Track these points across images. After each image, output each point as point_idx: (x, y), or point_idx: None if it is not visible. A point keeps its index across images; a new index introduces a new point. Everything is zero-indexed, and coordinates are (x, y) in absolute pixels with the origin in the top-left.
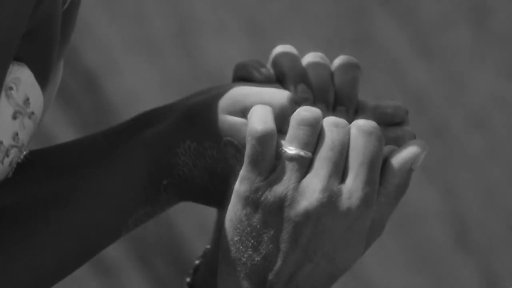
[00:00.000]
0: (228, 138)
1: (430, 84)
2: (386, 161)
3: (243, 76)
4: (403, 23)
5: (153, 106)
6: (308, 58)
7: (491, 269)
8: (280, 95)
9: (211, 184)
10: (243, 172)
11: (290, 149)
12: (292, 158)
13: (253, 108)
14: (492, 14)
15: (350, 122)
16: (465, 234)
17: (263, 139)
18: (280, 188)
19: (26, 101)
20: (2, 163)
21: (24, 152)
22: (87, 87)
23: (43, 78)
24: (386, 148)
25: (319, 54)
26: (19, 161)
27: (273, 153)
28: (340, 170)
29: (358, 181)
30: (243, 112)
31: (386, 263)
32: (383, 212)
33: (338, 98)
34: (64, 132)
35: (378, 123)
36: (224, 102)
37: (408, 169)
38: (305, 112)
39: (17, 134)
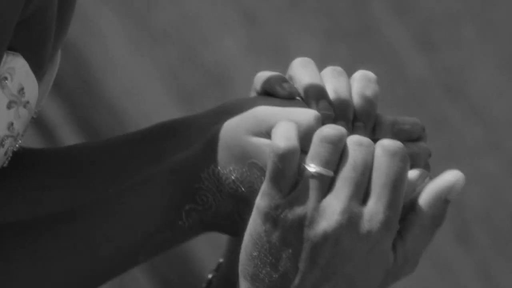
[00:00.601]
0: (253, 160)
1: (430, 76)
2: (421, 189)
3: (266, 90)
4: (403, 14)
5: (152, 100)
6: (327, 72)
7: (491, 263)
8: (306, 114)
9: (237, 212)
10: (264, 187)
11: (312, 167)
12: (313, 176)
13: (277, 124)
14: (493, 6)
15: (368, 137)
16: (466, 228)
17: (285, 157)
18: (300, 207)
19: (21, 90)
20: None
21: (20, 141)
22: (86, 81)
23: (38, 67)
24: (419, 174)
25: (338, 68)
26: (15, 149)
27: (294, 170)
28: (362, 191)
29: (380, 204)
30: (269, 133)
31: None
32: (417, 244)
33: (357, 114)
34: (62, 127)
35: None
36: (249, 123)
37: (444, 199)
38: (329, 129)
39: (12, 124)
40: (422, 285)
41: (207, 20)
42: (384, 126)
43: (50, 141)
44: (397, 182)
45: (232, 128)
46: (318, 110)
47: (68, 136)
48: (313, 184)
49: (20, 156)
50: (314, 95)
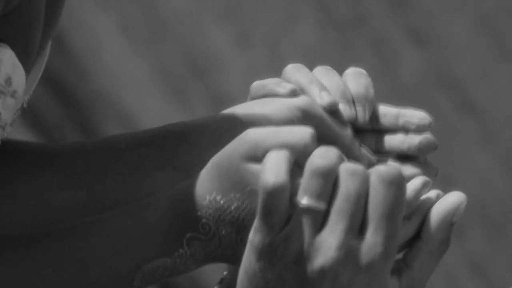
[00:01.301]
0: (252, 187)
1: (424, 68)
2: (425, 214)
3: (265, 95)
4: (397, 7)
5: (142, 91)
6: (318, 70)
7: (483, 255)
8: (302, 133)
9: (240, 241)
10: (256, 223)
11: (303, 201)
12: (305, 211)
13: (267, 155)
14: None
15: (368, 127)
16: (459, 220)
17: (275, 193)
18: (294, 243)
19: (8, 80)
20: None
21: (8, 130)
22: (77, 71)
23: (26, 58)
24: (422, 183)
25: (327, 67)
26: (3, 138)
27: (286, 205)
28: (357, 222)
29: (377, 236)
30: (264, 156)
31: None
32: (425, 270)
33: (355, 98)
34: (52, 113)
35: (401, 131)
36: (244, 149)
37: (450, 222)
38: (319, 159)
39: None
40: None
41: (198, 12)
42: (388, 117)
43: (42, 133)
44: (394, 212)
45: (229, 154)
46: (322, 100)
47: (60, 127)
48: (306, 219)
49: (25, 153)
50: (316, 87)
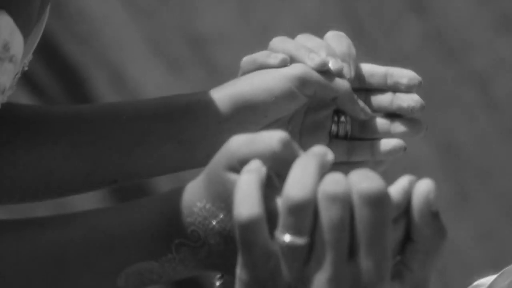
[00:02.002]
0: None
1: (423, 37)
2: (407, 215)
3: (257, 68)
4: None
5: (141, 65)
6: (301, 37)
7: (491, 223)
8: (270, 140)
9: (230, 251)
10: (239, 258)
11: (285, 238)
12: (288, 248)
13: (237, 183)
14: None
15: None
16: (464, 188)
17: (249, 227)
18: (283, 279)
19: (6, 45)
20: None
21: (7, 94)
22: (75, 39)
23: (24, 23)
24: (407, 184)
25: (308, 34)
26: (3, 102)
27: (264, 238)
28: (345, 248)
29: (370, 260)
30: (242, 165)
31: None
32: (427, 269)
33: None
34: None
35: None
36: (225, 158)
37: (432, 214)
38: (294, 191)
39: None
40: None
41: None
42: (376, 77)
43: (39, 98)
44: (383, 231)
45: (215, 163)
46: (312, 62)
47: (58, 93)
48: (290, 255)
49: (25, 120)
50: (304, 52)
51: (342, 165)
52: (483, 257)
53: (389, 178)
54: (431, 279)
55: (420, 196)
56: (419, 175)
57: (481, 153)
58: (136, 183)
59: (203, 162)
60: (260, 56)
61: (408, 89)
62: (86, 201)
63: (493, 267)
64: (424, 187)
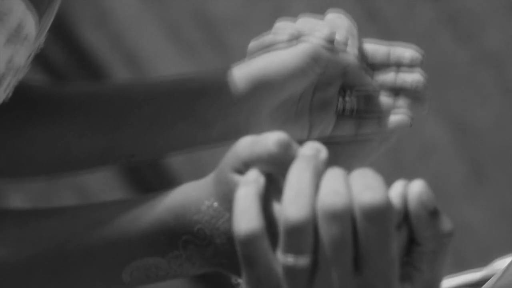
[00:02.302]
0: None
1: (437, 18)
2: (408, 220)
3: (266, 48)
4: None
5: (156, 50)
6: (302, 18)
7: (506, 200)
8: (266, 141)
9: (236, 251)
10: (243, 275)
11: (287, 259)
12: (290, 268)
13: (235, 197)
14: None
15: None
16: (480, 166)
17: (249, 242)
18: None
19: (19, 26)
20: None
21: (22, 74)
22: (90, 19)
23: (37, 3)
24: (401, 188)
25: (308, 15)
26: (17, 81)
27: (266, 252)
28: (350, 262)
29: (377, 271)
30: (246, 167)
31: None
32: (437, 268)
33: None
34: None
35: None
36: (230, 158)
37: (431, 213)
38: (291, 211)
39: (11, 59)
40: None
41: None
42: (379, 54)
43: (54, 78)
44: (388, 242)
45: (222, 164)
46: (319, 35)
47: (72, 73)
48: (294, 275)
49: (41, 99)
50: (310, 29)
51: (350, 142)
52: (498, 237)
53: (406, 160)
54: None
55: (414, 199)
56: (435, 156)
57: (496, 133)
58: (152, 163)
59: (218, 141)
60: (267, 37)
61: (411, 66)
62: (109, 187)
63: (509, 247)
64: (415, 189)
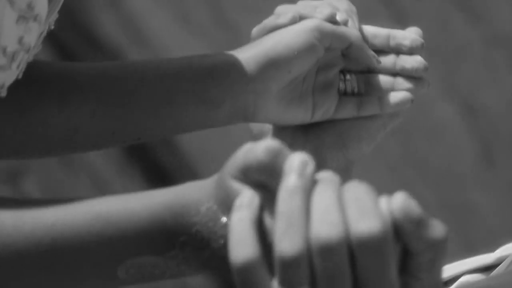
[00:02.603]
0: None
1: (450, 3)
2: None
3: (269, 32)
4: None
5: (165, 31)
6: (300, 2)
7: None
8: (256, 150)
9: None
10: None
11: None
12: None
13: (230, 223)
14: None
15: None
16: (489, 150)
17: (246, 271)
18: None
19: (30, 4)
20: (10, 67)
21: (33, 53)
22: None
23: None
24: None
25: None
26: (29, 61)
27: (263, 280)
28: None
29: None
30: (243, 174)
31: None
32: (435, 273)
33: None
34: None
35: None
36: (229, 164)
37: (416, 226)
38: (283, 246)
39: (22, 37)
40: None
41: None
42: (379, 38)
43: (65, 59)
44: (387, 269)
45: (224, 168)
46: (321, 14)
47: (83, 53)
48: None
49: (51, 78)
50: (311, 9)
51: (355, 121)
52: (507, 222)
53: (416, 142)
54: (455, 244)
55: (399, 215)
56: (445, 138)
57: (508, 115)
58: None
59: (225, 122)
60: (268, 21)
61: (410, 50)
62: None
63: None
64: (397, 204)
